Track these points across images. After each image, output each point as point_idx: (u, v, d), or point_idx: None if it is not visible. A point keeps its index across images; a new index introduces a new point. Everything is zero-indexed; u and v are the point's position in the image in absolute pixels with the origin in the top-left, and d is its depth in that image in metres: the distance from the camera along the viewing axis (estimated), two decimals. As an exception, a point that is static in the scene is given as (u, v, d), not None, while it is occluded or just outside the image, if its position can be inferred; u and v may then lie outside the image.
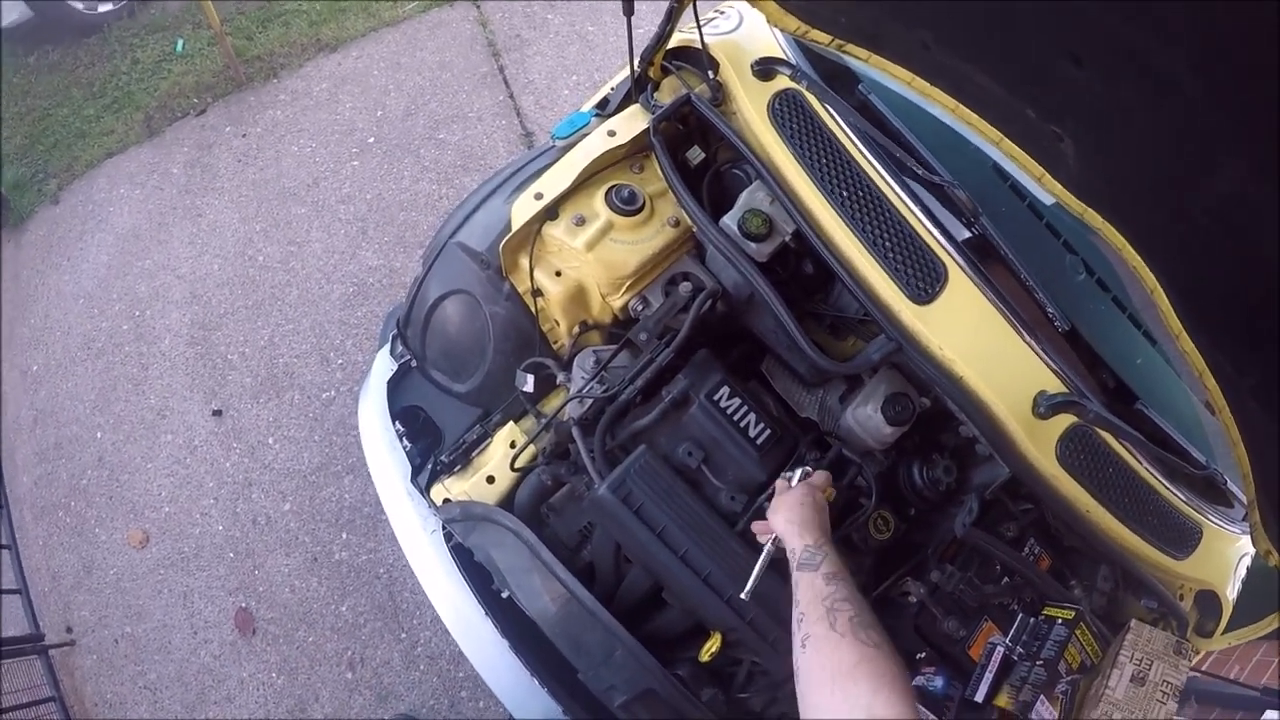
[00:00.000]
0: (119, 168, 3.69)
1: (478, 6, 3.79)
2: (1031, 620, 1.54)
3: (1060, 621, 1.52)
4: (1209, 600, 1.68)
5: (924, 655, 1.51)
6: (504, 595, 1.56)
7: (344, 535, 2.79)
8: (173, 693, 2.72)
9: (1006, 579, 1.58)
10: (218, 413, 3.03)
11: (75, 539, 2.97)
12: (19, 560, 2.92)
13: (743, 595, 1.25)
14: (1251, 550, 1.64)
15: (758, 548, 1.40)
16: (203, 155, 3.60)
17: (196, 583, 2.82)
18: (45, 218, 3.66)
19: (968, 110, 1.37)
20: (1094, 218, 1.31)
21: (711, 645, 1.42)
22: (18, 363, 3.34)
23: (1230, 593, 1.69)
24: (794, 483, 1.31)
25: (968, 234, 1.62)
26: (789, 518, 1.21)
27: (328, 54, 3.75)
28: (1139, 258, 1.28)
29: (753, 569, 1.28)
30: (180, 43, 3.93)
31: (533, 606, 1.49)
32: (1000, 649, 1.49)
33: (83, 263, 3.47)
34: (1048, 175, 1.33)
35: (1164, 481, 1.60)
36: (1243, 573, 1.72)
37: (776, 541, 1.24)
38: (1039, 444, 1.46)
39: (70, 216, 3.62)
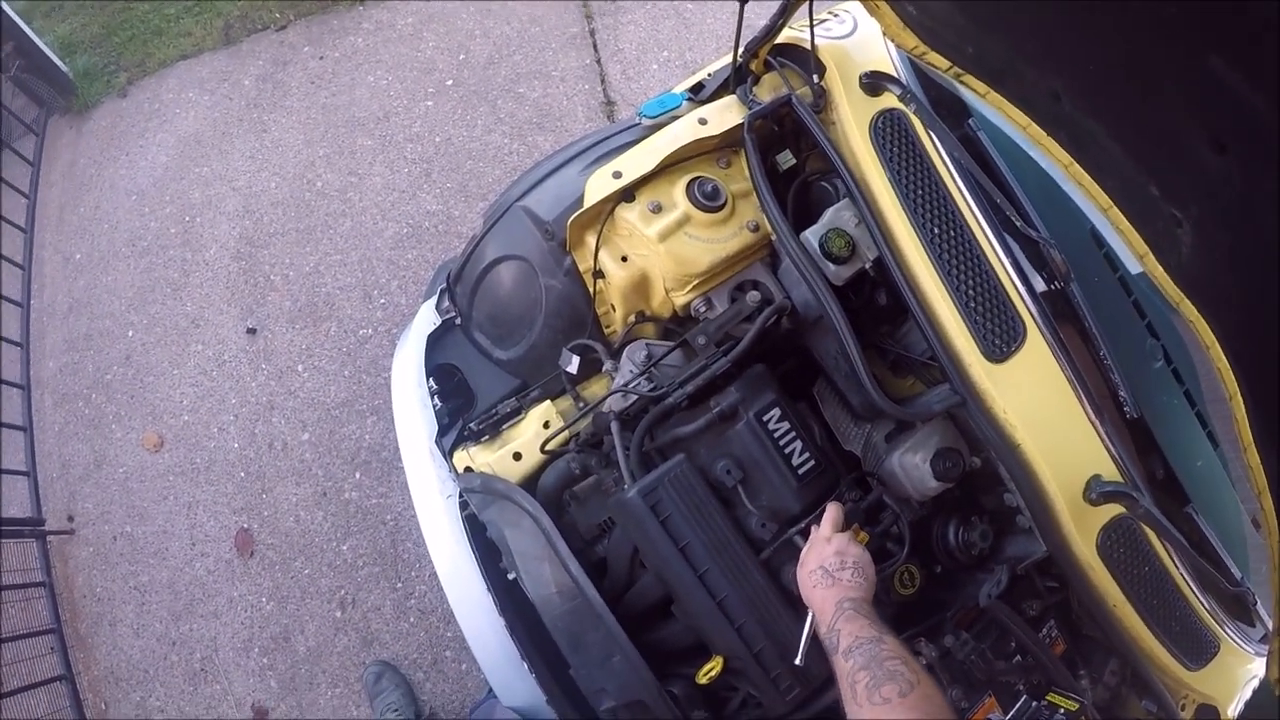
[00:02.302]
0: (191, 71, 3.67)
1: (577, -36, 3.71)
2: (1034, 704, 1.49)
3: (1062, 711, 1.46)
4: (1209, 715, 1.62)
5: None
6: (510, 576, 1.52)
7: (357, 475, 2.78)
8: (161, 599, 2.74)
9: (1019, 657, 1.53)
10: (252, 331, 3.03)
11: (91, 431, 3.00)
12: (32, 443, 2.96)
13: (796, 661, 1.26)
14: (1261, 673, 1.59)
15: (779, 581, 1.36)
16: (276, 71, 3.57)
17: (203, 495, 2.83)
18: (110, 109, 3.65)
19: (1082, 170, 1.29)
20: (1189, 309, 1.24)
21: (712, 668, 1.37)
22: (62, 248, 3.36)
23: (1232, 711, 1.64)
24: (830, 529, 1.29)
25: (1047, 288, 1.55)
26: (807, 595, 1.24)
27: (418, -11, 3.69)
28: (1225, 360, 1.21)
29: (772, 602, 1.26)
30: (272, -46, 3.89)
31: (538, 594, 1.45)
32: (998, 727, 1.44)
33: (141, 160, 3.47)
34: (1151, 255, 1.26)
35: (1195, 590, 1.54)
36: (1248, 694, 1.66)
37: None
38: (1082, 529, 1.40)
39: (135, 112, 3.61)
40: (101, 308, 3.19)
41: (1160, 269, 1.22)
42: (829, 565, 1.22)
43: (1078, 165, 1.27)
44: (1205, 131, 0.94)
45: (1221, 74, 0.86)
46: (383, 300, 3.03)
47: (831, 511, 1.32)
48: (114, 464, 2.93)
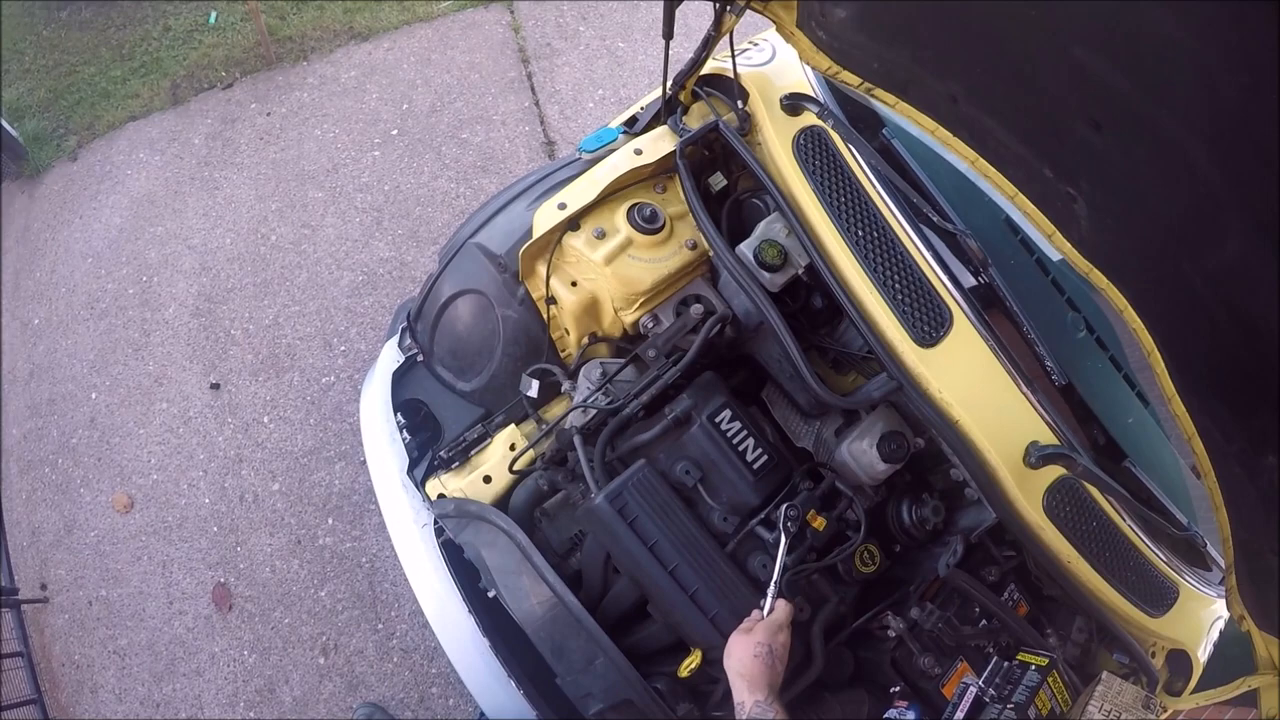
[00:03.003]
0: (140, 132, 3.70)
1: (511, 11, 3.82)
2: (1005, 664, 1.56)
3: (1033, 668, 1.54)
4: (1180, 660, 1.71)
5: (898, 689, 1.53)
6: (490, 594, 1.57)
7: (330, 521, 2.80)
8: (142, 660, 2.71)
9: (984, 622, 1.61)
10: (215, 386, 3.05)
11: (59, 497, 2.97)
12: (0, 512, 2.92)
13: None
14: (1225, 614, 1.68)
15: (746, 570, 1.43)
16: (225, 129, 3.62)
17: (177, 553, 2.82)
18: (62, 173, 3.66)
19: (987, 164, 1.41)
20: (1099, 278, 1.35)
21: (691, 662, 1.44)
22: (19, 314, 3.34)
23: (1202, 654, 1.72)
24: (764, 612, 1.32)
25: (974, 283, 1.66)
26: (739, 670, 1.24)
27: (359, 42, 3.77)
28: (1139, 320, 1.32)
29: (740, 590, 1.32)
30: (214, 15, 3.95)
31: (518, 608, 1.50)
32: (973, 689, 1.50)
33: (95, 222, 3.48)
34: (1058, 233, 1.37)
35: (1145, 540, 1.63)
36: (1215, 635, 1.75)
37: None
38: (1027, 492, 1.50)
39: (86, 175, 3.63)
40: (63, 371, 3.18)
41: (1067, 244, 1.33)
42: (757, 653, 1.25)
43: (983, 160, 1.39)
44: (1082, 114, 1.06)
45: (1086, 61, 0.97)
46: (343, 347, 3.07)
47: (754, 615, 1.34)
48: (85, 528, 2.91)
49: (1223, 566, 1.44)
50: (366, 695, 2.58)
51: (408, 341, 1.89)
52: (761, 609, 1.33)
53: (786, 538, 1.38)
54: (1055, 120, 1.16)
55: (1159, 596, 1.64)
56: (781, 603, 1.34)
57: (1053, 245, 1.40)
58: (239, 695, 2.63)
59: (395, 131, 3.51)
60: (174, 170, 3.55)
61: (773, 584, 1.34)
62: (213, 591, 2.75)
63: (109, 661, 2.73)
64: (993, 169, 1.40)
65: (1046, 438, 1.52)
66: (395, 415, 1.79)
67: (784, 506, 1.41)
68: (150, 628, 2.75)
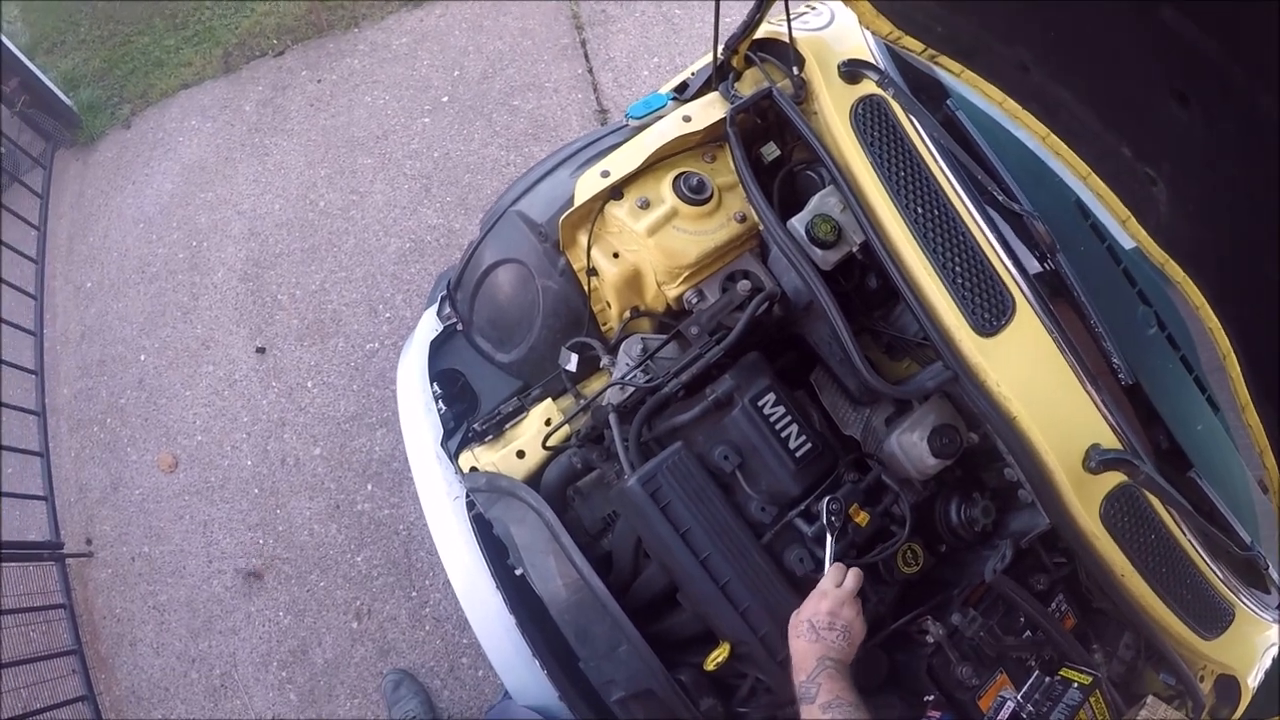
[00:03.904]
0: (193, 100, 3.74)
1: (565, -22, 3.76)
2: (1047, 679, 1.48)
3: (1076, 685, 1.46)
4: (1229, 686, 1.60)
5: (933, 698, 1.46)
6: (517, 572, 1.54)
7: (369, 487, 2.81)
8: (180, 617, 2.78)
9: (1029, 633, 1.52)
10: (261, 350, 3.08)
11: (106, 455, 3.05)
12: (49, 468, 3.01)
13: None
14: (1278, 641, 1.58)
15: (781, 564, 1.37)
16: (276, 96, 3.64)
17: (218, 513, 2.87)
18: (115, 140, 3.73)
19: (1058, 140, 1.31)
20: (1175, 270, 1.25)
21: (719, 655, 1.39)
22: (72, 278, 3.42)
23: (1252, 681, 1.62)
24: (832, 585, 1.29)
25: (1039, 269, 1.56)
26: (790, 642, 1.25)
27: (411, 9, 3.74)
28: (1216, 320, 1.22)
29: (774, 585, 1.28)
30: (267, -17, 3.97)
31: (544, 588, 1.47)
32: (1011, 704, 1.43)
33: (147, 188, 3.54)
34: (1133, 219, 1.27)
35: (1205, 556, 1.53)
36: (1268, 663, 1.64)
37: None
38: (1084, 499, 1.40)
39: (140, 142, 3.69)
40: (113, 334, 3.25)
41: (1143, 231, 1.23)
42: (817, 622, 1.23)
43: (1054, 136, 1.29)
44: (1166, 85, 0.96)
45: (1174, 24, 0.88)
46: (388, 314, 3.07)
47: (833, 574, 1.31)
48: (130, 486, 2.98)
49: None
50: (397, 662, 2.60)
51: (447, 310, 1.87)
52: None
53: (832, 534, 1.32)
54: (1136, 92, 1.06)
55: (1214, 618, 1.54)
56: (854, 571, 1.30)
57: (1126, 231, 1.31)
58: (272, 655, 2.67)
59: (446, 98, 3.48)
60: (225, 137, 3.58)
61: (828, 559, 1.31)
62: (245, 574, 2.79)
63: (148, 616, 2.79)
64: (1064, 146, 1.30)
65: (1109, 440, 1.41)
66: (432, 385, 1.77)
67: (826, 499, 1.35)
68: (190, 585, 2.81)
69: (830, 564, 1.32)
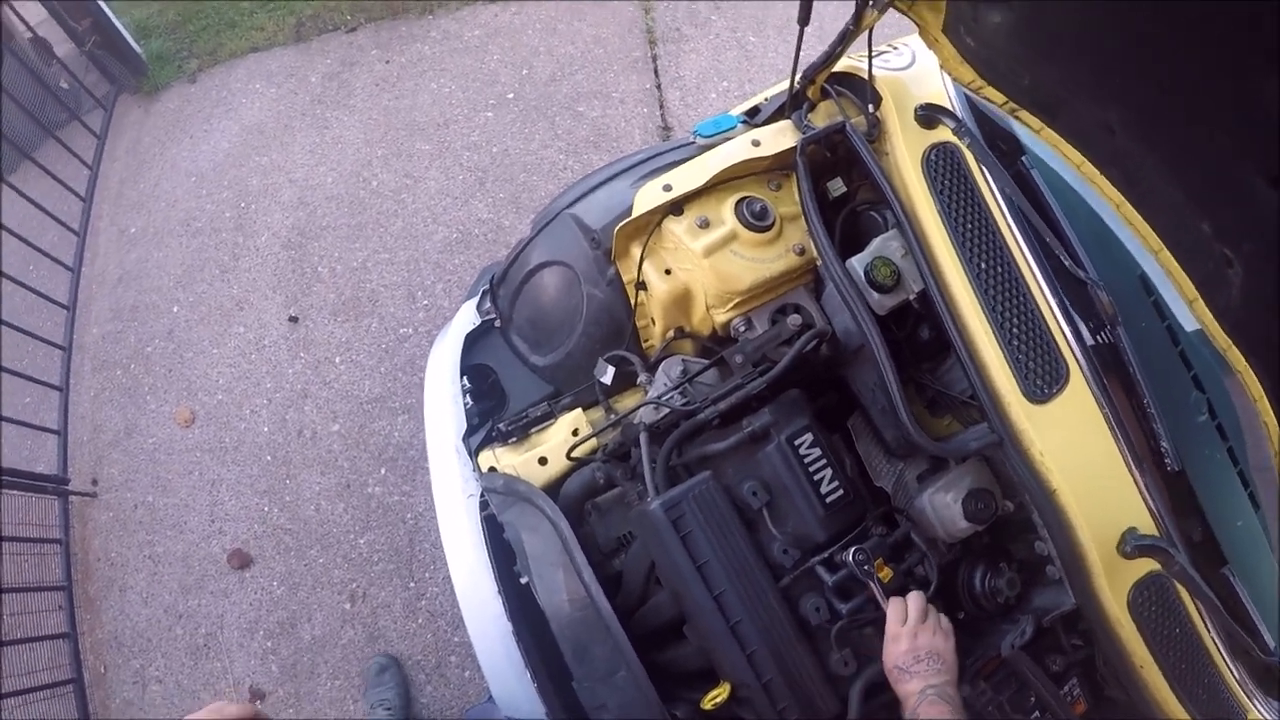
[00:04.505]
0: (260, 64, 3.78)
1: (645, -7, 3.77)
2: (1049, 762, 1.43)
3: (1078, 771, 1.41)
4: None
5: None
6: (522, 580, 1.51)
7: (382, 471, 2.80)
8: (174, 571, 2.77)
9: (1037, 713, 1.47)
10: (294, 319, 3.08)
11: (125, 400, 3.06)
12: (66, 403, 3.03)
13: None
14: None
15: (797, 611, 1.32)
16: (343, 71, 3.67)
17: (228, 474, 2.87)
18: (179, 93, 3.78)
19: (1132, 209, 1.26)
20: (1238, 358, 1.20)
21: (719, 694, 1.34)
22: (118, 221, 3.46)
23: (1255, 791, 1.55)
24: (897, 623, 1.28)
25: (1094, 341, 1.52)
26: (898, 691, 1.24)
27: (487, 3, 3.76)
28: (1274, 416, 1.17)
29: (785, 632, 1.25)
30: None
31: (549, 600, 1.43)
32: (1014, 783, 1.38)
33: (204, 144, 3.58)
34: (1200, 300, 1.22)
35: (1225, 655, 1.47)
36: (1274, 772, 1.58)
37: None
38: (1114, 583, 1.36)
39: (203, 98, 3.74)
40: (150, 282, 3.27)
41: (1209, 314, 1.19)
42: (903, 664, 1.22)
43: (1129, 205, 1.25)
44: (1260, 163, 0.92)
45: (1277, 101, 0.84)
46: (426, 301, 3.06)
47: (894, 612, 1.28)
48: (144, 434, 2.98)
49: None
50: (385, 650, 2.57)
51: (487, 305, 1.85)
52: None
53: (876, 584, 1.29)
54: (1227, 167, 1.02)
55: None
56: (911, 596, 1.29)
57: (1192, 313, 1.26)
58: (260, 623, 2.66)
59: (511, 95, 3.49)
60: (287, 104, 3.62)
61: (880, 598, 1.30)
62: (230, 554, 2.77)
63: (142, 565, 2.79)
64: (1139, 216, 1.25)
65: (1146, 526, 1.36)
66: (462, 378, 1.74)
67: (853, 549, 1.30)
68: (188, 541, 2.80)
69: (886, 602, 1.29)
